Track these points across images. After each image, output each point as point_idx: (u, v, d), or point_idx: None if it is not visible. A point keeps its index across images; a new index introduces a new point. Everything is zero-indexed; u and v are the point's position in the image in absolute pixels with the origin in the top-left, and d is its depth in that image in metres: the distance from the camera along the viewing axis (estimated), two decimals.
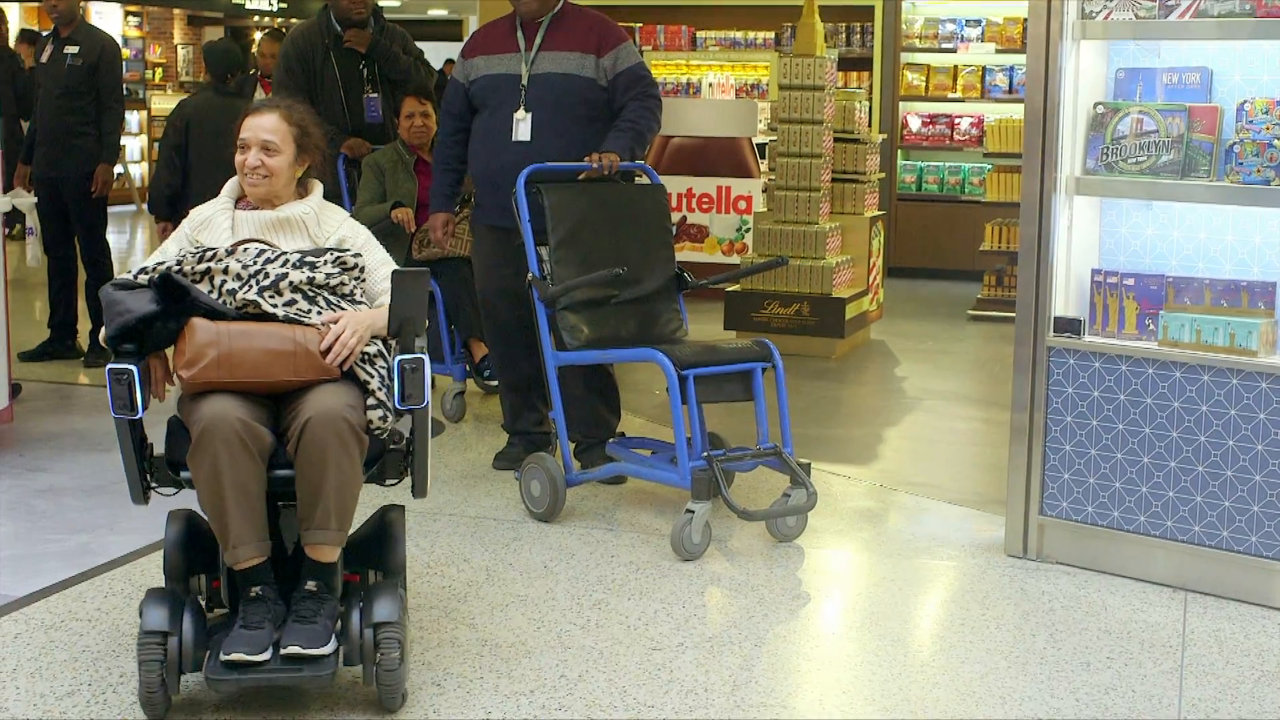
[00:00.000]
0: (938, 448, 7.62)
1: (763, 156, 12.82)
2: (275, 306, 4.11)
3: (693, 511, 5.40)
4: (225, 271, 4.15)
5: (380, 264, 4.44)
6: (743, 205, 12.28)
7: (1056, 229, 5.31)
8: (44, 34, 9.95)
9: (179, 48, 23.81)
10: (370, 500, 4.68)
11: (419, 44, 8.54)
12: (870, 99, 13.20)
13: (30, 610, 4.79)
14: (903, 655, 4.62)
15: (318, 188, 4.56)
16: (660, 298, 6.09)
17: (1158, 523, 5.17)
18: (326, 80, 8.09)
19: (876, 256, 10.65)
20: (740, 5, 15.08)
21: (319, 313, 4.15)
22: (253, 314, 4.11)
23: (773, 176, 10.38)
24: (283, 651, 3.88)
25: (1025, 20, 8.26)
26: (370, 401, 4.12)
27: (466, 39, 6.71)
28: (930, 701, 4.24)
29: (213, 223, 4.43)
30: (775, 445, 5.71)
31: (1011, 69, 13.91)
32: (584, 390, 6.26)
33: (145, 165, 21.10)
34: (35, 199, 8.71)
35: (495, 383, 7.11)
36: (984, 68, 14.12)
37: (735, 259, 12.01)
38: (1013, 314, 5.53)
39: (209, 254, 4.20)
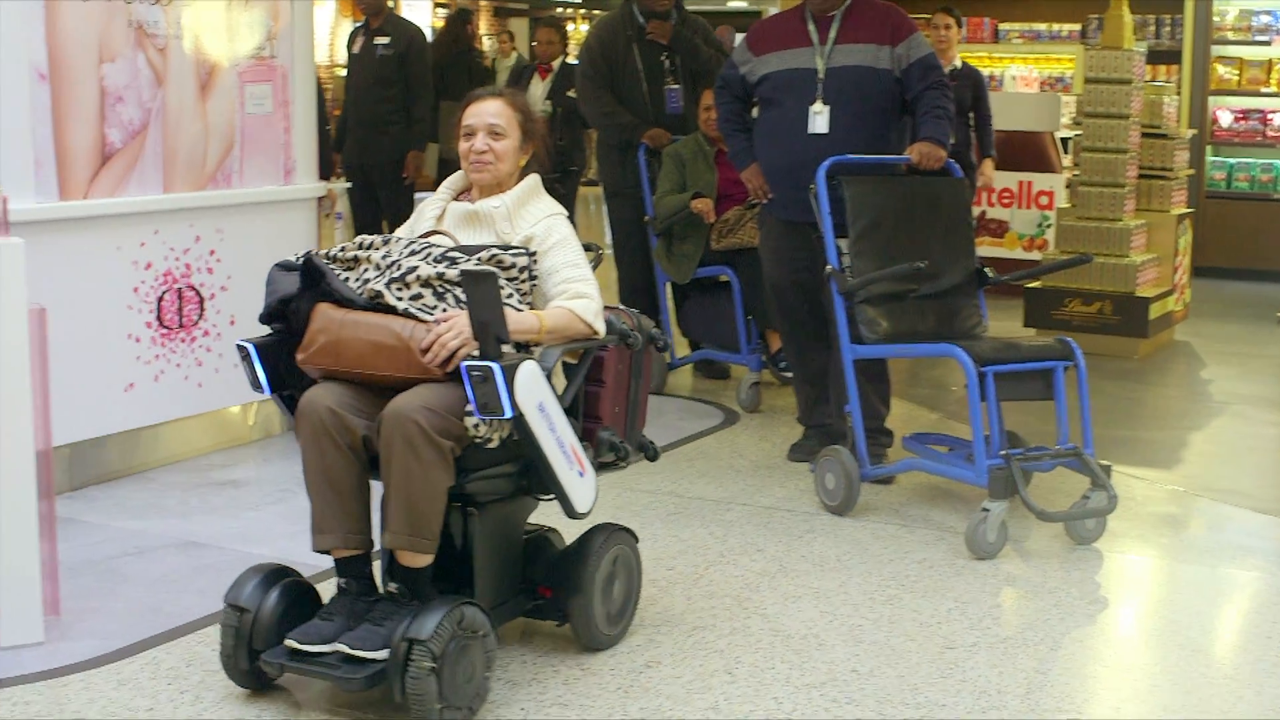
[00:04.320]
0: (1243, 454, 7.38)
1: (1065, 151, 12.59)
2: (399, 299, 3.97)
3: (989, 510, 5.33)
4: (369, 260, 4.12)
5: (563, 266, 4.22)
6: (1044, 200, 12.08)
7: None
8: (355, 25, 10.28)
9: (485, 38, 24.30)
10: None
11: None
12: (1179, 93, 12.83)
13: None
14: (1204, 666, 4.48)
15: (526, 181, 4.40)
16: (960, 293, 6.02)
17: None
18: (629, 71, 8.20)
19: (1183, 255, 10.36)
20: None
21: (445, 309, 3.97)
22: (381, 305, 3.99)
23: (1076, 171, 10.17)
24: (335, 647, 3.84)
25: None
26: (468, 407, 3.86)
27: (752, 30, 6.68)
28: (1233, 716, 4.11)
29: (423, 213, 4.44)
30: (1075, 446, 5.61)
31: None
32: (858, 380, 6.18)
33: None
34: (348, 184, 9.02)
35: (790, 374, 7.11)
36: None
37: (1035, 255, 11.81)
38: None
39: (368, 243, 4.17)
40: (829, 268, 5.89)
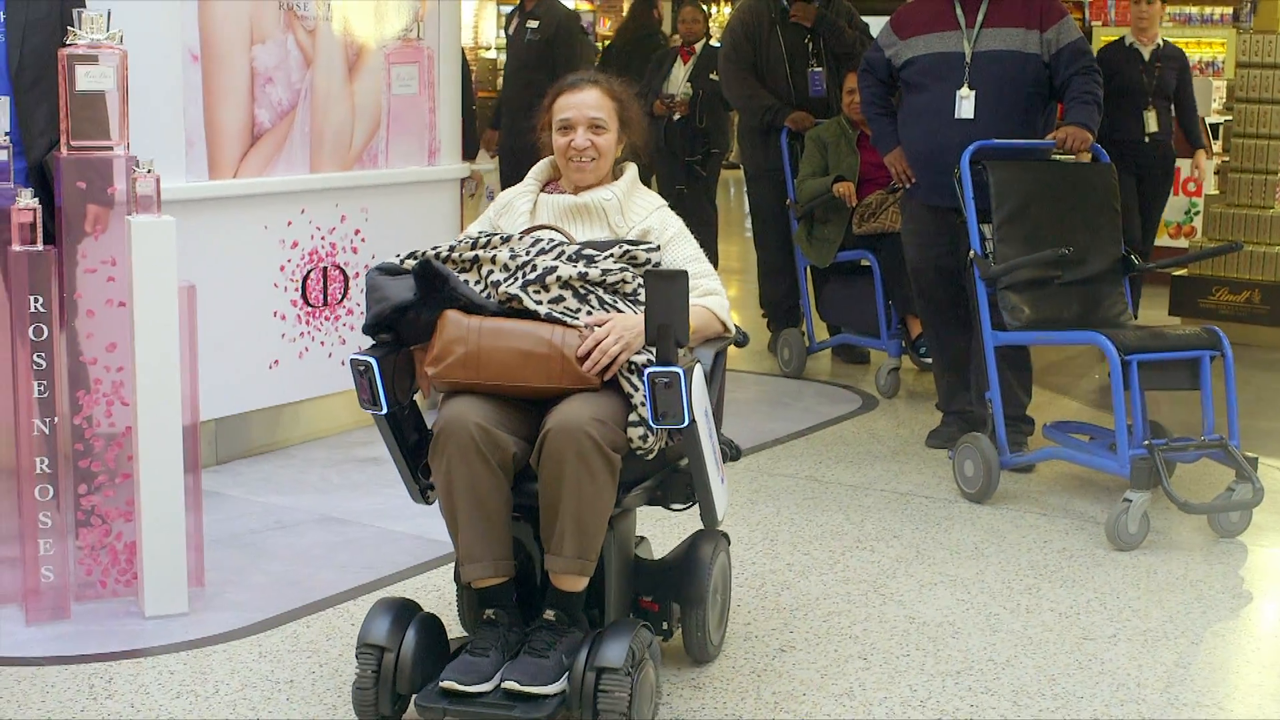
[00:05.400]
0: None
1: (1216, 137, 12.36)
2: (539, 303, 3.68)
3: (1130, 500, 5.26)
4: (494, 261, 3.78)
5: (686, 261, 3.95)
6: (1192, 187, 11.87)
7: None
8: (511, 8, 10.34)
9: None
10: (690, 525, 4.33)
11: (864, 18, 8.54)
12: None
13: None
14: None
15: (629, 171, 4.14)
16: (1105, 280, 5.94)
17: None
18: (772, 54, 8.20)
19: None
20: None
21: (589, 313, 3.70)
22: (516, 310, 3.70)
23: (1226, 158, 9.99)
24: (501, 685, 3.54)
25: None
26: (631, 418, 3.64)
27: (898, 13, 6.60)
28: None
29: (513, 207, 4.09)
30: (1221, 437, 5.52)
31: None
32: (998, 366, 6.11)
33: None
34: (495, 166, 9.08)
35: (930, 360, 7.06)
36: None
37: (1183, 242, 11.63)
38: None
39: (483, 241, 3.84)
40: (972, 253, 5.84)
